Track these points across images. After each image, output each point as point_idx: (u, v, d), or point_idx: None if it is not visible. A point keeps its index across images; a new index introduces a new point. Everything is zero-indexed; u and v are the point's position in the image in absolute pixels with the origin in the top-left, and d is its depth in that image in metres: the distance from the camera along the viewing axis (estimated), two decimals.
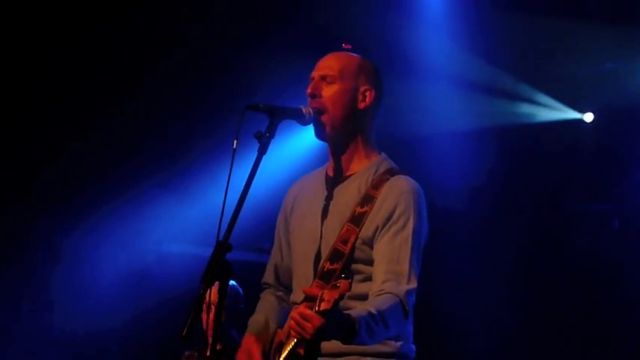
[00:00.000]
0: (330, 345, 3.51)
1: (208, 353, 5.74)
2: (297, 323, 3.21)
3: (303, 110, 3.66)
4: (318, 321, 3.16)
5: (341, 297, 3.12)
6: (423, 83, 8.01)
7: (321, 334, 3.22)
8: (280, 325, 3.87)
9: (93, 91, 7.90)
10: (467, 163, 8.09)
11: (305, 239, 3.77)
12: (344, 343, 3.33)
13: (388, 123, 7.12)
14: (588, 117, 8.38)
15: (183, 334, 3.20)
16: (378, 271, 3.54)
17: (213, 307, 5.41)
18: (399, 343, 3.62)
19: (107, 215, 8.07)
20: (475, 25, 7.69)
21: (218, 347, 5.69)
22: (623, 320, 8.02)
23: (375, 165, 3.76)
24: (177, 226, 8.29)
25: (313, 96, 3.70)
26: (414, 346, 3.71)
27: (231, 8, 7.76)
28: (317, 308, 3.16)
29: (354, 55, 3.82)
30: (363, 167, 3.76)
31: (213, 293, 4.87)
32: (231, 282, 5.86)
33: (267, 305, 3.97)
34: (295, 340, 3.45)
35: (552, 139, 8.31)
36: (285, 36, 7.82)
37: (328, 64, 3.77)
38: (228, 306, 5.75)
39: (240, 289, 5.95)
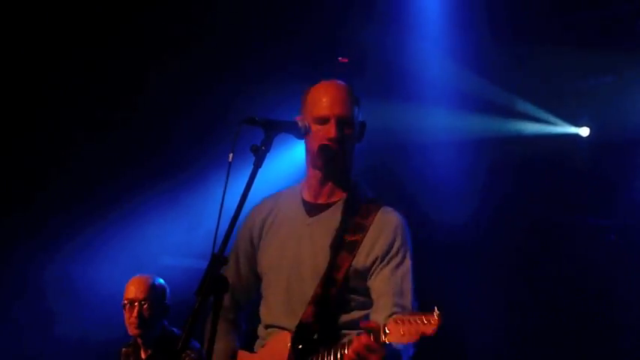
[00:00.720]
0: None
1: (144, 356, 5.77)
2: (359, 354, 3.29)
3: (299, 123, 3.68)
4: (383, 352, 3.28)
5: (433, 333, 3.14)
6: (420, 98, 8.02)
7: None
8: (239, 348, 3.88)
9: (91, 106, 7.91)
10: (463, 176, 8.10)
11: (286, 266, 3.77)
12: None
13: (386, 136, 7.18)
14: (584, 131, 8.39)
15: (178, 347, 3.21)
16: (384, 303, 3.59)
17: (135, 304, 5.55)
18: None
19: (105, 228, 8.06)
20: (472, 41, 7.71)
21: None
22: (619, 332, 8.01)
23: (354, 193, 3.82)
24: (173, 239, 8.28)
25: (340, 142, 3.72)
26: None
27: (230, 22, 7.78)
28: (383, 339, 3.22)
29: (348, 88, 3.83)
30: (343, 195, 3.81)
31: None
32: (158, 279, 5.86)
33: (222, 332, 3.84)
34: None
35: (549, 153, 8.31)
36: (283, 49, 7.83)
37: (343, 105, 3.77)
38: (156, 303, 5.73)
39: (166, 285, 5.93)
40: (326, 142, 3.69)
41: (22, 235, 8.01)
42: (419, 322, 3.13)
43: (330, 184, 3.81)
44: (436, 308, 3.13)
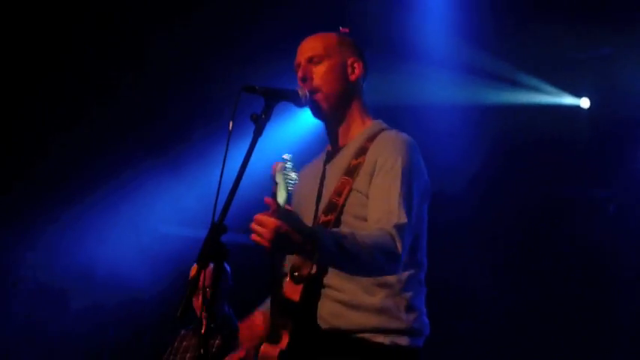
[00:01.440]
0: (340, 320, 3.51)
1: (203, 331, 5.81)
2: (255, 231, 3.16)
3: (299, 92, 3.68)
4: (274, 222, 3.14)
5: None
6: (419, 67, 8.01)
7: (281, 240, 3.16)
8: None
9: (90, 75, 7.90)
10: (461, 147, 8.09)
11: (305, 208, 3.75)
12: (308, 257, 3.30)
13: (386, 104, 7.17)
14: (585, 102, 8.38)
15: (178, 314, 3.22)
16: (369, 212, 3.50)
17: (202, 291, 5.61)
18: (411, 317, 3.57)
19: (105, 196, 8.08)
20: (471, 11, 7.68)
21: (212, 325, 5.71)
22: (619, 306, 8.04)
23: (370, 128, 3.78)
24: (173, 207, 8.30)
25: (304, 79, 3.72)
26: (427, 320, 3.67)
27: None
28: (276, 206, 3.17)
29: (331, 32, 3.84)
30: (359, 132, 3.78)
31: (205, 277, 4.96)
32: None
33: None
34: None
35: (548, 124, 8.31)
36: (283, 20, 7.81)
37: (311, 45, 3.81)
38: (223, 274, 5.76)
39: (227, 267, 5.95)
40: (300, 87, 3.70)
41: (20, 208, 8.02)
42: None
43: (340, 129, 3.80)
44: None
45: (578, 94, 8.37)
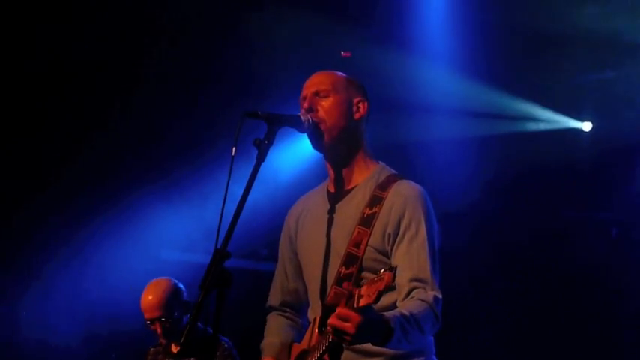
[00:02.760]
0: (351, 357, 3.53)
1: (176, 350, 5.84)
2: (336, 326, 3.15)
3: (302, 117, 3.68)
4: (358, 318, 3.12)
5: (386, 288, 3.04)
6: (418, 93, 8.03)
7: (361, 333, 3.16)
8: (295, 341, 3.87)
9: (89, 100, 7.91)
10: (465, 172, 8.10)
11: (316, 255, 3.76)
12: (379, 344, 3.31)
13: (388, 131, 7.18)
14: (587, 126, 8.39)
15: (182, 340, 3.21)
16: (402, 279, 3.51)
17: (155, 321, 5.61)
18: (421, 359, 3.61)
19: (106, 222, 8.07)
20: (473, 35, 7.71)
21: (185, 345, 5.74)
22: (623, 329, 8.02)
23: (376, 174, 3.78)
24: (176, 233, 8.29)
25: (310, 110, 3.72)
26: (436, 358, 3.72)
27: (235, 14, 7.79)
28: (356, 304, 3.12)
29: (339, 72, 3.87)
30: (364, 178, 3.78)
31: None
32: (170, 285, 5.86)
33: (277, 326, 3.97)
34: (324, 346, 3.43)
35: (551, 148, 8.32)
36: (286, 43, 7.83)
37: (319, 79, 3.82)
38: (173, 311, 5.75)
39: (179, 284, 5.96)
40: (302, 113, 3.71)
41: (21, 233, 8.01)
42: (377, 280, 3.06)
43: (345, 170, 3.79)
44: (393, 267, 3.06)
45: (580, 118, 8.37)
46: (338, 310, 3.16)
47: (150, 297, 5.78)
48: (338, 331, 3.16)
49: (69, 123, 7.92)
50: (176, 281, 5.91)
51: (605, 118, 8.22)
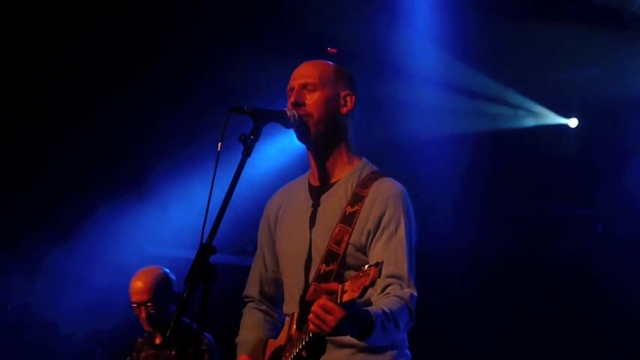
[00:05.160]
0: (327, 357, 3.54)
1: (158, 341, 5.89)
2: (318, 316, 3.16)
3: (288, 113, 3.66)
4: (340, 313, 3.13)
5: (372, 284, 3.04)
6: (407, 89, 8.03)
7: (341, 327, 3.17)
8: (271, 337, 3.87)
9: (77, 96, 7.89)
10: (451, 168, 8.11)
11: (294, 249, 3.76)
12: (358, 339, 3.31)
13: (373, 127, 7.18)
14: (573, 122, 8.41)
15: (167, 334, 3.21)
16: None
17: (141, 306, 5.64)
18: (394, 352, 3.62)
19: (92, 217, 8.05)
20: (460, 31, 7.71)
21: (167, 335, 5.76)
22: (607, 322, 8.05)
23: (358, 170, 3.78)
24: (161, 228, 8.28)
25: (297, 104, 3.70)
26: (409, 352, 3.73)
27: (216, 12, 7.77)
28: (340, 300, 3.12)
29: (329, 62, 3.85)
30: (346, 173, 3.78)
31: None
32: (160, 272, 5.91)
33: (252, 322, 3.97)
34: (303, 342, 3.43)
35: (537, 144, 8.33)
36: (271, 39, 7.83)
37: (306, 72, 3.79)
38: (161, 299, 5.81)
39: (171, 274, 5.98)
40: (288, 109, 3.70)
41: (8, 229, 8.00)
42: (362, 275, 3.06)
43: (327, 164, 3.79)
44: (379, 262, 3.06)
45: (567, 114, 8.39)
46: (322, 301, 3.16)
47: (139, 281, 5.85)
48: (319, 322, 3.16)
49: (55, 116, 7.90)
50: (168, 271, 5.96)
51: (591, 115, 8.24)
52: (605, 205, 8.33)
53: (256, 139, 3.46)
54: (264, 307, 4.00)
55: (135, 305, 5.83)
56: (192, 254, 3.23)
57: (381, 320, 3.30)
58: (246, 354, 3.84)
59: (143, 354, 6.03)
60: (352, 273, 3.45)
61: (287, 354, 3.56)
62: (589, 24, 7.60)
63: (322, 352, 3.52)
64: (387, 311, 3.36)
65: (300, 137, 3.76)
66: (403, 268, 3.56)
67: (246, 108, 3.50)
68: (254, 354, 3.82)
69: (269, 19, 7.89)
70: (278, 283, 3.94)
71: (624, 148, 8.07)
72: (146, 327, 5.87)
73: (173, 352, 5.81)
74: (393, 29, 7.80)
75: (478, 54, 7.93)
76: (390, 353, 3.61)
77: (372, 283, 3.04)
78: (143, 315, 5.81)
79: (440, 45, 7.85)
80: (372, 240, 3.61)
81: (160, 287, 5.85)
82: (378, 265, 3.05)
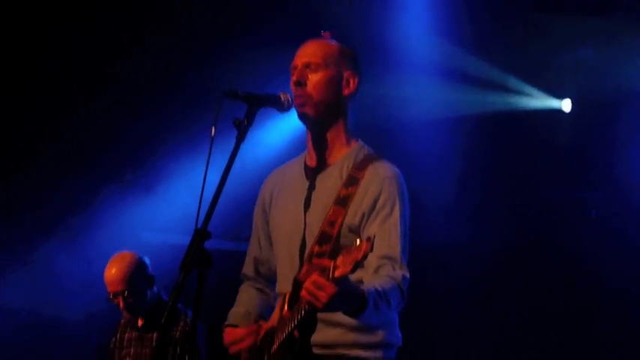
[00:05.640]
0: (318, 336, 3.55)
1: (140, 324, 5.91)
2: (310, 292, 3.17)
3: (282, 97, 3.67)
4: (332, 289, 3.13)
5: (364, 257, 3.05)
6: (400, 72, 8.01)
7: (334, 303, 3.18)
8: (263, 317, 3.87)
9: (71, 78, 7.87)
10: (443, 152, 8.10)
11: (288, 229, 3.78)
12: (351, 316, 3.33)
13: (366, 111, 7.17)
14: (566, 105, 8.40)
15: (162, 321, 3.21)
16: (372, 255, 3.43)
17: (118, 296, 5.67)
18: (385, 332, 3.65)
19: (85, 204, 8.05)
20: (452, 14, 7.70)
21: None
22: (600, 308, 8.06)
23: (354, 152, 3.78)
24: (156, 214, 8.27)
25: (299, 84, 3.70)
26: (399, 333, 3.75)
27: None
28: (332, 275, 3.12)
29: (334, 41, 3.83)
30: (343, 154, 3.78)
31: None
32: (134, 259, 5.92)
33: (246, 297, 4.00)
34: (295, 321, 3.43)
35: (530, 127, 8.32)
36: (266, 25, 7.81)
37: (311, 51, 3.78)
38: (136, 285, 5.83)
39: (144, 257, 5.99)
40: (292, 89, 3.71)
41: (2, 216, 7.99)
42: (354, 250, 3.06)
43: (326, 144, 3.79)
44: (371, 237, 3.07)
45: (560, 97, 8.38)
46: (314, 277, 3.17)
47: (113, 270, 5.84)
48: (311, 299, 3.17)
49: (49, 99, 7.88)
50: (140, 255, 5.97)
51: (585, 97, 8.22)
52: (599, 189, 8.32)
53: (250, 124, 3.46)
54: (259, 285, 4.02)
55: (112, 295, 5.82)
56: (187, 240, 3.22)
57: (374, 297, 3.32)
58: (231, 324, 3.87)
59: (127, 335, 6.05)
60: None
61: (279, 333, 3.57)
62: (583, 6, 7.59)
63: (313, 331, 3.53)
64: (380, 289, 3.37)
65: (301, 118, 3.77)
66: (396, 250, 3.58)
67: (239, 92, 3.50)
68: (241, 323, 3.85)
69: (262, 2, 7.88)
70: (272, 264, 3.95)
71: (618, 132, 8.06)
72: (125, 315, 5.90)
73: (155, 335, 5.83)
74: (387, 12, 7.78)
75: (470, 37, 7.90)
76: (381, 332, 3.63)
77: (364, 257, 3.05)
78: (122, 304, 5.81)
79: (433, 28, 7.82)
80: (366, 222, 3.63)
81: (135, 274, 5.85)
82: (370, 239, 3.05)
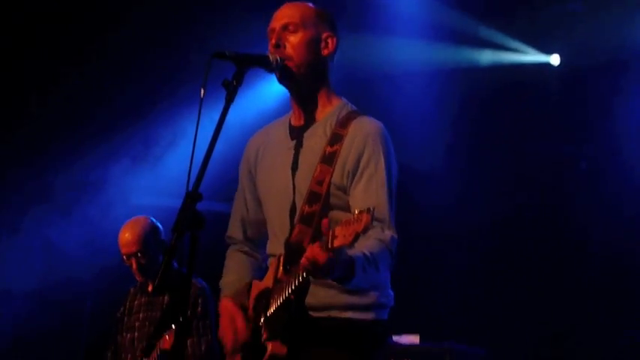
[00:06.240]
0: (311, 298, 3.56)
1: (150, 288, 5.97)
2: (310, 261, 3.18)
3: (270, 57, 3.66)
4: (331, 259, 3.16)
5: (364, 230, 3.06)
6: (387, 28, 8.00)
7: (331, 273, 3.21)
8: (255, 279, 3.88)
9: (60, 41, 7.84)
10: (433, 106, 8.10)
11: (277, 190, 3.78)
12: (340, 282, 3.35)
13: (355, 65, 7.15)
14: (555, 59, 8.39)
15: (156, 282, 3.22)
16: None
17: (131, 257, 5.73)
18: (377, 293, 3.67)
19: (75, 169, 8.03)
20: None
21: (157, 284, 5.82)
22: (588, 260, 8.10)
23: (338, 109, 3.80)
24: (146, 177, 8.26)
25: (278, 46, 3.70)
26: (392, 292, 3.77)
27: None
28: (331, 245, 3.14)
29: (310, 4, 3.84)
30: (327, 113, 3.80)
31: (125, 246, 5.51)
32: (148, 222, 5.97)
33: (236, 264, 4.00)
34: (292, 286, 3.44)
35: (519, 82, 8.32)
36: None
37: (288, 13, 3.79)
38: (150, 248, 5.88)
39: (157, 222, 6.04)
40: (270, 53, 3.70)
41: None
42: (354, 222, 3.07)
43: (308, 104, 3.80)
44: (370, 208, 3.07)
45: (549, 51, 8.37)
46: (317, 250, 3.17)
47: (127, 233, 5.92)
48: (310, 267, 3.19)
49: (39, 63, 7.85)
50: (154, 220, 6.00)
51: (573, 52, 8.22)
52: (588, 142, 8.34)
53: (239, 84, 3.45)
54: (246, 248, 4.03)
55: (125, 257, 5.88)
56: (179, 203, 3.23)
57: (362, 264, 3.34)
58: (229, 296, 3.87)
59: (136, 302, 6.11)
60: (336, 213, 3.57)
61: (275, 297, 3.59)
62: None
63: (307, 293, 3.55)
64: (368, 254, 3.38)
65: (282, 80, 3.76)
66: (384, 210, 3.59)
67: (227, 53, 3.48)
68: (237, 296, 3.86)
69: None
70: (260, 225, 3.96)
71: (607, 85, 8.07)
72: (138, 277, 5.96)
73: (166, 298, 5.87)
74: None
75: None
76: (373, 294, 3.66)
77: (365, 230, 3.06)
78: (134, 266, 5.88)
79: None
80: (352, 181, 3.63)
81: (149, 237, 5.93)
82: (370, 211, 3.05)
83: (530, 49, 8.37)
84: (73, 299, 7.93)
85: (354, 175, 3.63)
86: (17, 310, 7.85)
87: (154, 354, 5.54)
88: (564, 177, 8.31)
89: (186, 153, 3.31)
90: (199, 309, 5.78)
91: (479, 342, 6.94)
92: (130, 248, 5.86)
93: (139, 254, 5.85)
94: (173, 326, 5.45)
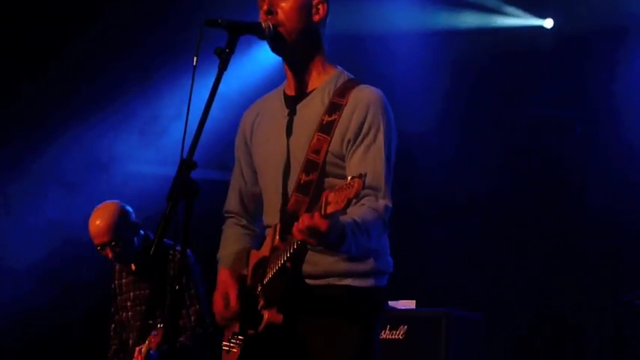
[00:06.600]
0: (308, 266, 3.58)
1: (133, 267, 5.96)
2: (303, 229, 3.17)
3: (263, 24, 3.65)
4: (325, 225, 3.14)
5: (356, 195, 3.05)
6: None
7: (326, 240, 3.21)
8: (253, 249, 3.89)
9: (50, 15, 7.81)
10: (425, 71, 8.08)
11: (273, 159, 3.77)
12: (331, 249, 3.36)
13: (347, 28, 7.12)
14: (548, 23, 8.37)
15: (151, 252, 3.22)
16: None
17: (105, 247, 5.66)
18: (375, 260, 3.67)
19: (72, 135, 8.02)
20: None
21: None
22: (584, 223, 8.11)
23: (334, 78, 3.78)
24: (141, 145, 8.25)
25: (269, 12, 3.68)
26: (391, 259, 3.77)
27: None
28: (324, 212, 3.14)
29: None
30: (323, 81, 3.77)
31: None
32: (116, 209, 5.90)
33: (233, 236, 4.00)
34: (288, 254, 3.45)
35: (512, 45, 8.30)
36: None
37: None
38: (122, 235, 5.82)
39: (126, 206, 5.99)
40: (263, 20, 3.68)
41: None
42: (346, 187, 3.06)
43: (303, 73, 3.78)
44: (362, 174, 3.06)
45: (542, 15, 8.34)
46: (317, 218, 3.16)
47: (97, 222, 5.82)
48: (304, 235, 3.19)
49: (34, 31, 7.83)
50: (123, 204, 5.94)
51: (567, 15, 8.19)
52: (582, 105, 8.33)
53: (232, 52, 3.44)
54: (244, 222, 4.02)
55: (99, 247, 5.83)
56: (173, 171, 3.22)
57: (352, 230, 3.33)
58: (227, 267, 3.88)
59: (124, 281, 6.09)
60: (332, 180, 3.55)
61: (272, 265, 3.60)
62: None
63: (303, 260, 3.56)
64: (359, 221, 3.38)
65: (274, 48, 3.74)
66: (380, 179, 3.58)
67: (219, 20, 3.47)
68: (235, 267, 3.86)
69: None
70: (257, 197, 3.95)
71: (601, 48, 8.05)
72: (117, 264, 5.96)
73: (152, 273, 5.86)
74: None
75: None
76: (371, 261, 3.65)
77: (357, 195, 3.05)
78: (110, 255, 5.81)
79: None
80: (350, 148, 3.62)
81: (119, 223, 5.84)
82: (362, 176, 3.05)
83: (523, 13, 8.34)
84: (71, 266, 7.95)
85: (353, 142, 3.62)
86: (19, 289, 7.87)
87: (147, 343, 5.55)
88: (559, 141, 8.29)
89: (181, 121, 3.29)
90: (183, 280, 5.78)
91: (476, 309, 6.95)
92: (102, 238, 5.79)
93: (113, 243, 5.79)
94: (159, 325, 5.46)
